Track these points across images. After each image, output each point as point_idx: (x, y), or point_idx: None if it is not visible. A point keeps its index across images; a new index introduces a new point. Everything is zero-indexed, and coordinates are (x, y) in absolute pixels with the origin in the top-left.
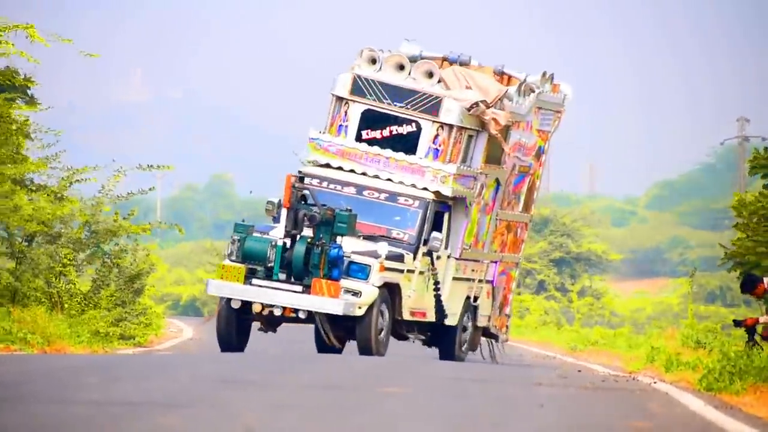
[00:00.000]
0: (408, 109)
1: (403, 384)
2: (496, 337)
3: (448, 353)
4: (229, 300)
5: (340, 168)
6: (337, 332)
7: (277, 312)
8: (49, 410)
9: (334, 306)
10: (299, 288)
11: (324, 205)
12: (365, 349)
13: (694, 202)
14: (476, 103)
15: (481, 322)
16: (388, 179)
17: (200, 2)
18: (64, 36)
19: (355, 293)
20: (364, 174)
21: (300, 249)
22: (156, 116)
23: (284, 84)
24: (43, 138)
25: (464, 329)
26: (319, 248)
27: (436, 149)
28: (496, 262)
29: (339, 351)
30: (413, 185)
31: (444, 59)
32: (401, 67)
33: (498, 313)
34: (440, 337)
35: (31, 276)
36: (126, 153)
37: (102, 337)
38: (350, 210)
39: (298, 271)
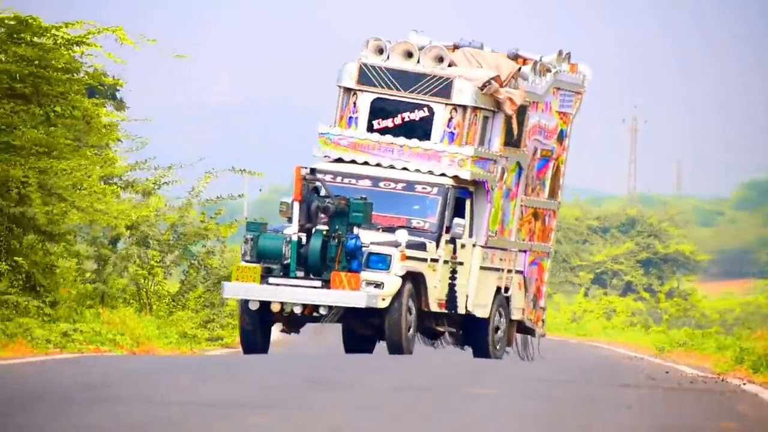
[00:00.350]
0: (418, 94)
1: (487, 385)
2: (532, 332)
3: (481, 349)
4: (247, 302)
5: (353, 161)
6: (364, 330)
7: (297, 310)
8: (139, 411)
9: (356, 299)
10: (318, 283)
11: (337, 196)
12: (396, 347)
13: None
14: (489, 81)
15: (515, 315)
16: (404, 168)
17: (290, 3)
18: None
19: (377, 285)
20: (378, 165)
21: (316, 243)
22: (243, 118)
23: None
24: (131, 143)
25: (497, 327)
26: (336, 240)
27: (451, 133)
28: (525, 252)
29: (370, 351)
30: (430, 172)
31: (455, 47)
32: (409, 55)
33: (532, 306)
34: (471, 332)
35: (117, 277)
36: (211, 155)
37: (190, 338)
38: (365, 198)
39: (315, 266)
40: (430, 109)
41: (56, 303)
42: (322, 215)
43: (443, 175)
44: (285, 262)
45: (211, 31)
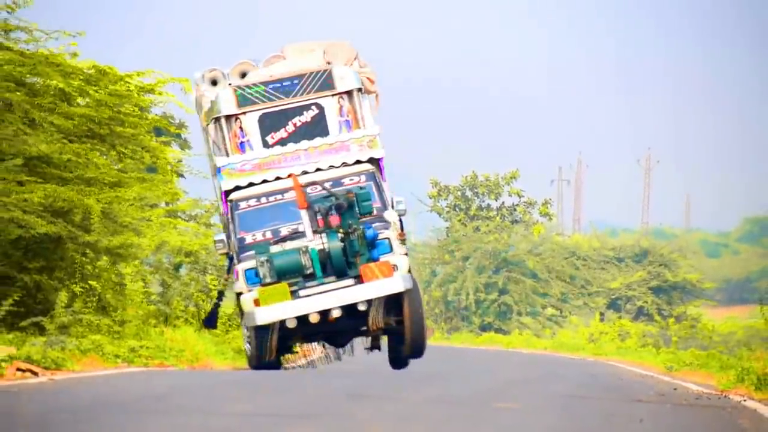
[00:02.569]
0: (303, 95)
1: (515, 399)
2: None
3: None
4: (259, 326)
5: (264, 181)
6: (388, 319)
7: (336, 314)
8: (198, 421)
9: (395, 284)
10: (350, 281)
11: (332, 195)
12: (419, 327)
13: None
14: (355, 58)
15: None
16: (318, 169)
17: None
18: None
19: (394, 267)
20: (290, 176)
21: (336, 244)
22: None
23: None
24: (193, 179)
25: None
26: (355, 234)
27: (347, 121)
28: None
29: (379, 348)
30: (344, 164)
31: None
32: (243, 75)
33: None
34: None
35: (180, 300)
36: None
37: (244, 354)
38: (363, 187)
39: (342, 265)
40: (319, 106)
41: (124, 322)
42: (335, 213)
43: (358, 162)
44: (307, 272)
45: None
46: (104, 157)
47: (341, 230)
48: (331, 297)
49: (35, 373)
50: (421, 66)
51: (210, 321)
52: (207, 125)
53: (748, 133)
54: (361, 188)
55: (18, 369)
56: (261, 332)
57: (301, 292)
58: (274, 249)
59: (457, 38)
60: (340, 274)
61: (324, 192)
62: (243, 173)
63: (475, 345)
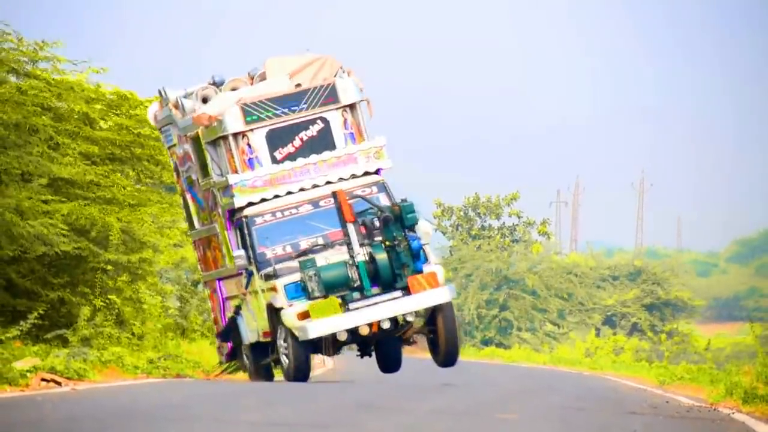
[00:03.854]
0: (308, 110)
1: (515, 410)
2: None
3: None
4: (303, 340)
5: (276, 196)
6: (423, 329)
7: (386, 325)
8: (213, 429)
9: (442, 295)
10: (398, 293)
11: (375, 207)
12: (452, 337)
13: None
14: (340, 69)
15: None
16: (328, 182)
17: None
18: None
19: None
20: (302, 189)
21: (384, 256)
22: None
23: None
24: None
25: None
26: (401, 246)
27: (351, 133)
28: None
29: (370, 355)
30: (353, 175)
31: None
32: (234, 89)
33: None
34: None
35: (197, 314)
36: None
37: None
38: (405, 199)
39: (390, 278)
40: (324, 120)
41: (143, 335)
42: (381, 226)
43: (367, 173)
44: (354, 285)
45: None
46: (123, 176)
47: (387, 242)
48: (381, 309)
49: (59, 383)
50: (427, 90)
51: (225, 335)
52: (205, 142)
53: (737, 160)
54: (403, 200)
55: (42, 379)
56: (303, 345)
57: (351, 305)
58: (320, 262)
59: (461, 64)
60: (388, 286)
61: (358, 201)
62: (255, 189)
63: (478, 358)
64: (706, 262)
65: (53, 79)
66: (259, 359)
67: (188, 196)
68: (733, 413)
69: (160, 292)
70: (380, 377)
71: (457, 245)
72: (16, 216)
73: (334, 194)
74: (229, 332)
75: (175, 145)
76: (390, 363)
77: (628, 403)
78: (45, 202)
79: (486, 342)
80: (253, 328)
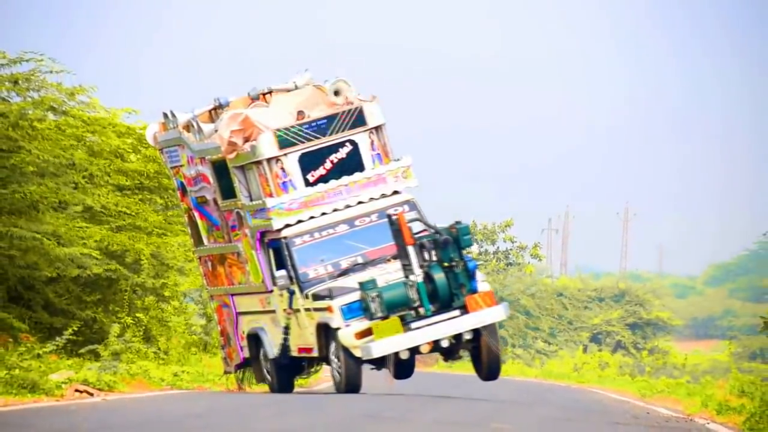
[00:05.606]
0: (338, 133)
1: (509, 420)
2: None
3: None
4: (349, 355)
5: (311, 217)
6: (467, 345)
7: (445, 344)
8: None
9: (499, 313)
10: (456, 312)
11: (433, 227)
12: (495, 353)
13: (743, 280)
14: (372, 97)
15: None
16: (359, 202)
17: None
18: None
19: None
20: (335, 210)
21: (442, 276)
22: None
23: None
24: None
25: None
26: (459, 267)
27: (378, 154)
28: None
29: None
30: (383, 195)
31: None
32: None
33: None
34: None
35: (218, 332)
36: None
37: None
38: (460, 221)
39: (448, 297)
40: (353, 142)
41: (168, 350)
42: (440, 248)
43: (396, 192)
44: (415, 305)
45: None
46: (151, 203)
47: (445, 263)
48: (441, 327)
49: (91, 394)
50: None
51: (284, 356)
52: (233, 166)
53: (713, 194)
54: (458, 222)
55: (76, 390)
56: (356, 362)
57: (413, 325)
58: (381, 283)
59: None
60: (445, 305)
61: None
62: (291, 212)
63: (475, 373)
64: (684, 285)
65: (88, 117)
66: (282, 372)
67: (196, 214)
68: (708, 424)
69: (183, 312)
70: (386, 390)
71: None
72: (53, 241)
73: (389, 217)
74: (285, 353)
75: (182, 165)
76: (403, 370)
77: (613, 414)
78: (81, 228)
79: None
80: (279, 342)
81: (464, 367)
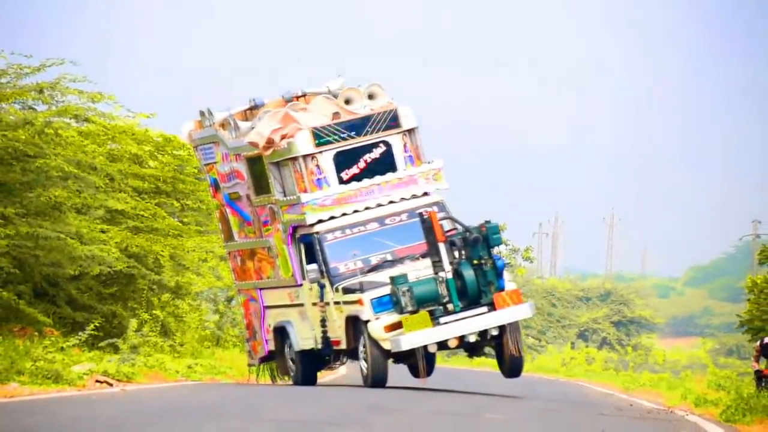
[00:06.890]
0: (373, 134)
1: (502, 412)
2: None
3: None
4: (378, 347)
5: (344, 214)
6: (489, 343)
7: (472, 339)
8: (242, 426)
9: (525, 311)
10: (484, 309)
11: (463, 225)
12: (517, 350)
13: (720, 281)
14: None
15: None
16: (391, 202)
17: None
18: None
19: None
20: (367, 208)
21: (471, 273)
22: None
23: None
24: None
25: None
26: (488, 265)
27: (410, 156)
28: None
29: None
30: (414, 195)
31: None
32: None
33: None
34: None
35: (230, 327)
36: None
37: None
38: (489, 221)
39: (476, 294)
40: (386, 143)
41: (183, 344)
42: (470, 246)
43: (426, 193)
44: (444, 301)
45: None
46: (168, 207)
47: (475, 261)
48: (469, 323)
49: (110, 385)
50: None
51: (326, 349)
52: (268, 162)
53: (695, 199)
54: (488, 222)
55: (97, 381)
56: (383, 355)
57: (441, 319)
58: (411, 278)
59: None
60: (473, 302)
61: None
62: (324, 208)
63: (470, 367)
64: (666, 286)
65: (109, 125)
66: (307, 365)
67: (228, 210)
68: (687, 415)
69: (197, 309)
70: (416, 384)
71: None
72: (76, 241)
73: (421, 215)
74: (327, 348)
75: (216, 162)
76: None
77: (598, 406)
78: (102, 231)
79: None
80: (308, 336)
81: (459, 362)
